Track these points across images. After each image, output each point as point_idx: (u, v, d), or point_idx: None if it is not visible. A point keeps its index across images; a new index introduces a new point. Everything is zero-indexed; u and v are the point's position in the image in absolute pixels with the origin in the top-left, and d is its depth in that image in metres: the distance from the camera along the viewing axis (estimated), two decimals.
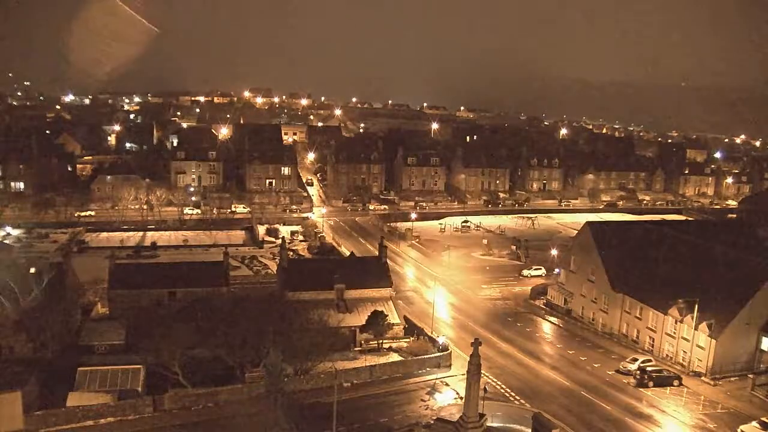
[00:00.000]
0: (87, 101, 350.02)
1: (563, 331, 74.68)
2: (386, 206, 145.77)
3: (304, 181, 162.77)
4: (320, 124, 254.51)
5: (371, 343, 64.92)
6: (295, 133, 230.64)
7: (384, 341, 65.11)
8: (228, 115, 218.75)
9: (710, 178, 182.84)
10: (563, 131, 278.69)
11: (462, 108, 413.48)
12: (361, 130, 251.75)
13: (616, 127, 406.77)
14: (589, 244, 76.85)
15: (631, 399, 56.49)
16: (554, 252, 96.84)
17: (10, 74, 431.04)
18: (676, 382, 59.42)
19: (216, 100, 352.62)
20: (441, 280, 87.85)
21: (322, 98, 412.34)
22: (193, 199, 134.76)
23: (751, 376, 58.92)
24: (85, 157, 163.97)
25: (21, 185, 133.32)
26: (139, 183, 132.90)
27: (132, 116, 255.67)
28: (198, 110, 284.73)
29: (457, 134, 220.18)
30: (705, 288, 62.85)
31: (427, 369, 61.00)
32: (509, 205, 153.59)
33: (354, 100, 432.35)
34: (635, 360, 63.02)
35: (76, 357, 57.22)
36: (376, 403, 54.16)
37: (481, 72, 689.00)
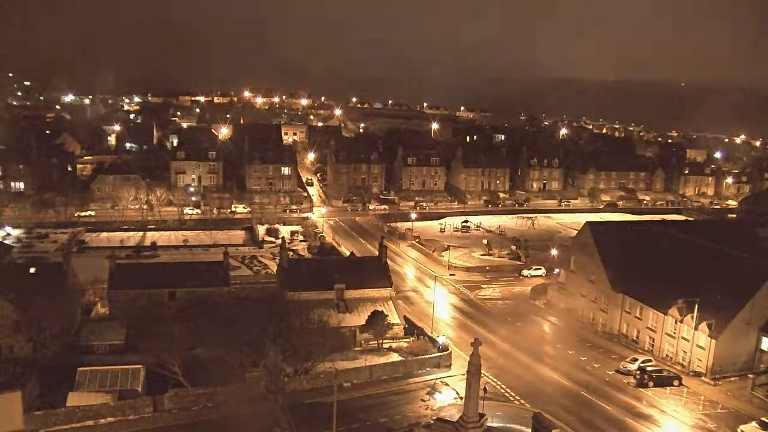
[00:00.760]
0: (87, 101, 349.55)
1: (563, 331, 74.68)
2: (386, 206, 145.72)
3: (304, 181, 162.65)
4: (320, 124, 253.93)
5: (371, 343, 64.97)
6: (295, 133, 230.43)
7: (384, 341, 65.16)
8: (228, 115, 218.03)
9: (710, 178, 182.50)
10: (563, 131, 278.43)
11: (462, 108, 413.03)
12: (361, 130, 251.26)
13: (616, 127, 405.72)
14: (589, 244, 76.87)
15: (631, 399, 56.53)
16: (554, 252, 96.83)
17: (10, 74, 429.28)
18: (676, 382, 59.47)
19: (216, 100, 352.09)
20: (441, 280, 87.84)
21: (322, 98, 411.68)
22: (193, 199, 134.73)
23: (751, 376, 58.91)
24: (85, 157, 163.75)
25: (21, 185, 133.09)
26: (139, 183, 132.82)
27: (132, 116, 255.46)
28: (198, 110, 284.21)
29: (457, 134, 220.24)
30: (705, 288, 62.77)
31: (427, 369, 61.06)
32: (509, 205, 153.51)
33: (354, 100, 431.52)
34: (635, 360, 63.07)
35: (76, 357, 57.34)
36: (376, 403, 54.21)
37: (482, 72, 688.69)
